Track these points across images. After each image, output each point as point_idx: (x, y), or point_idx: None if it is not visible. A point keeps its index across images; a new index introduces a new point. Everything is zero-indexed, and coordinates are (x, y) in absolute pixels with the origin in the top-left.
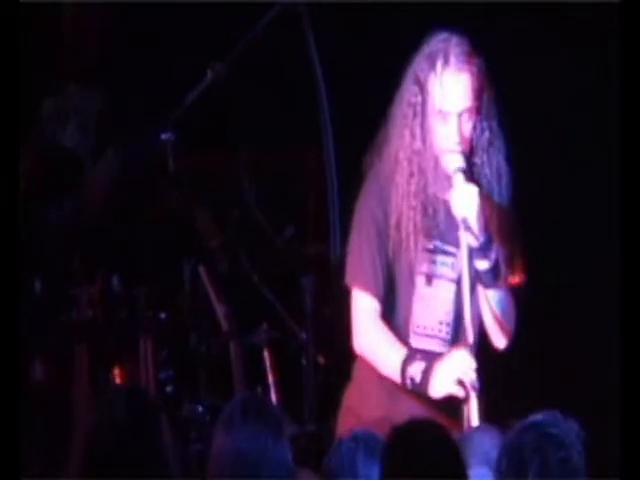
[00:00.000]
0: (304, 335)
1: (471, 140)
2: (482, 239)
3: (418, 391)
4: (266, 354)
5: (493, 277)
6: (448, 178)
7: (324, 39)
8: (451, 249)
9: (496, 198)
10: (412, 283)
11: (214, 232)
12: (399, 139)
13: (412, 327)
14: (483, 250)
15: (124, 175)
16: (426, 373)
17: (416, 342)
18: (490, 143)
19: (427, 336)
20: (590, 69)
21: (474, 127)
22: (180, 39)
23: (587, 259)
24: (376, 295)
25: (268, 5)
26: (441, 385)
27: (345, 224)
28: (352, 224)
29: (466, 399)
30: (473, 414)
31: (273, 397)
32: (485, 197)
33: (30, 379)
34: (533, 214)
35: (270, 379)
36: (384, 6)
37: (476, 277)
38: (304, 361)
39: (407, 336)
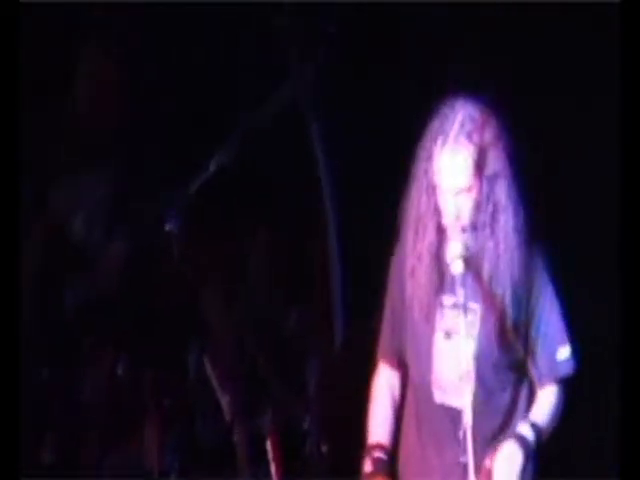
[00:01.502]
0: (307, 422)
1: (472, 215)
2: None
3: None
4: (269, 442)
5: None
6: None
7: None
8: (472, 305)
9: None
10: (432, 339)
11: (219, 317)
12: (411, 198)
13: (434, 382)
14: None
15: (131, 263)
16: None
17: (439, 397)
18: (493, 218)
19: (448, 392)
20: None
21: (475, 203)
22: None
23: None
24: (393, 367)
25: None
26: None
27: (350, 310)
28: None
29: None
30: None
31: None
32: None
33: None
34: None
35: (273, 468)
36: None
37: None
38: (307, 449)
39: (430, 392)
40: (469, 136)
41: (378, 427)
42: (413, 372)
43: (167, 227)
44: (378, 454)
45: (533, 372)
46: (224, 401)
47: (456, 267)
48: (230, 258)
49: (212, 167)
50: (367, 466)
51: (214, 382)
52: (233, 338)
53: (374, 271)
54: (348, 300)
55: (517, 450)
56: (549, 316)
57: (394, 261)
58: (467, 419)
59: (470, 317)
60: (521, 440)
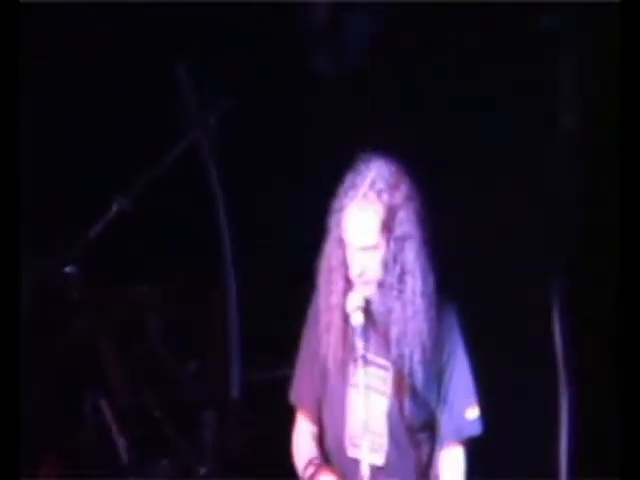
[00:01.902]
0: (203, 471)
1: (380, 273)
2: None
3: None
4: None
5: None
6: None
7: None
8: (383, 362)
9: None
10: (345, 393)
11: (116, 365)
12: (324, 252)
13: (347, 437)
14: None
15: (31, 305)
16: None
17: (352, 452)
18: (401, 280)
19: (360, 448)
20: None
21: (382, 262)
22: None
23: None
24: (312, 420)
25: None
26: None
27: (245, 362)
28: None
29: None
30: None
31: None
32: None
33: None
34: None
35: None
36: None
37: None
38: None
39: (344, 446)
40: (379, 195)
41: (307, 456)
42: (328, 425)
43: (67, 270)
44: (316, 461)
45: (440, 431)
46: (121, 445)
47: (355, 318)
48: (129, 306)
49: (113, 211)
50: (309, 471)
51: (111, 426)
52: (130, 386)
53: (272, 322)
54: (245, 351)
55: None
56: (458, 377)
57: (310, 315)
58: (364, 471)
59: (381, 373)
60: None
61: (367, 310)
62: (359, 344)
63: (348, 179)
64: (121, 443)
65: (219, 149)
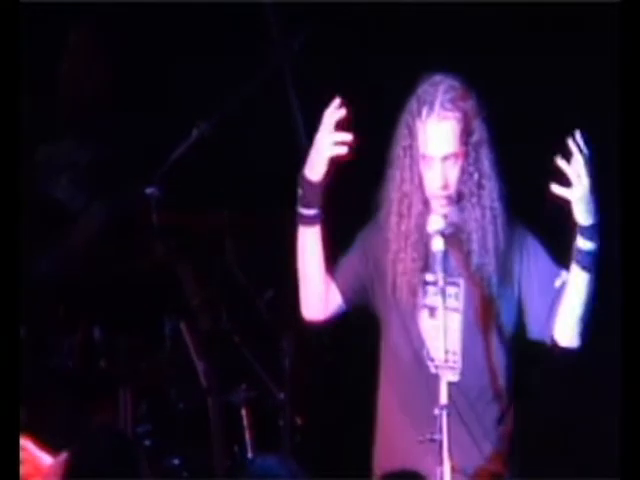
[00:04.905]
0: (282, 395)
1: (458, 184)
2: None
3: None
4: (244, 413)
5: None
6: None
7: (312, 97)
8: (453, 279)
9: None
10: (417, 317)
11: (196, 289)
12: (392, 180)
13: (425, 357)
14: None
15: (108, 228)
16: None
17: (431, 369)
18: (479, 186)
19: (437, 367)
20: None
21: (462, 171)
22: (173, 95)
23: None
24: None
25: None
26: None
27: None
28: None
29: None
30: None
31: (250, 456)
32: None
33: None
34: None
35: (247, 438)
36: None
37: None
38: (281, 421)
39: (425, 365)
40: (454, 103)
41: None
42: (403, 346)
43: (148, 191)
44: None
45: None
46: (200, 369)
47: (436, 244)
48: (208, 231)
49: (194, 135)
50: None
51: (190, 349)
52: (209, 310)
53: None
54: None
55: None
56: (537, 264)
57: (366, 235)
58: (442, 399)
59: (453, 290)
60: None
61: (444, 233)
62: (438, 268)
63: (413, 101)
64: (200, 366)
65: (301, 76)
